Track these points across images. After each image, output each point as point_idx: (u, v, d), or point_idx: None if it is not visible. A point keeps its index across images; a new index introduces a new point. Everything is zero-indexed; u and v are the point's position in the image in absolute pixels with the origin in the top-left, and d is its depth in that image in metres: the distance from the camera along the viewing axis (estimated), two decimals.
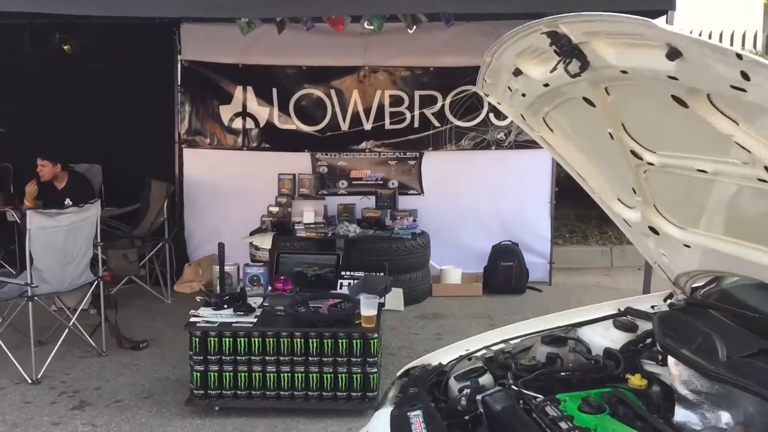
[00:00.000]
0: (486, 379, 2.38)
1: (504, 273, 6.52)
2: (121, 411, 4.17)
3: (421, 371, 2.48)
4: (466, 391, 2.21)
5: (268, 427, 3.93)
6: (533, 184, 6.83)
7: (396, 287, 6.03)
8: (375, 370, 4.02)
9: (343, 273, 4.51)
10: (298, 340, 3.98)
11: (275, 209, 6.60)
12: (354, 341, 3.97)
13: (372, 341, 3.98)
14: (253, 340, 3.98)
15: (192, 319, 4.09)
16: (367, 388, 4.01)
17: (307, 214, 6.31)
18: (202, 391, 4.03)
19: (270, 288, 4.46)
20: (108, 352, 5.08)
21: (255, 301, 4.36)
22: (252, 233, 6.33)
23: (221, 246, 4.28)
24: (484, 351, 2.56)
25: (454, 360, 2.51)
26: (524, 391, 2.15)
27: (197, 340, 3.98)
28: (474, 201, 6.83)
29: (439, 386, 2.42)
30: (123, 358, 5.02)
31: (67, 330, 4.94)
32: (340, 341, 3.97)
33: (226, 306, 4.23)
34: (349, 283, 4.45)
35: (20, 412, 4.17)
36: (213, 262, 6.83)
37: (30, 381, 4.56)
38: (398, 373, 2.58)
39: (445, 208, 6.79)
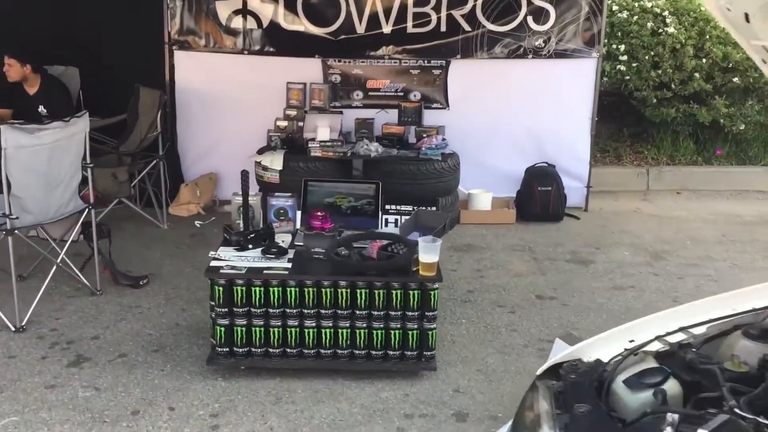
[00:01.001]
0: (672, 387, 1.74)
1: (541, 199, 5.86)
2: (128, 369, 3.50)
3: (577, 373, 1.83)
4: (671, 418, 1.56)
5: (307, 392, 3.31)
6: (573, 97, 6.09)
7: None
8: (434, 325, 3.38)
9: (387, 207, 3.80)
10: (343, 290, 3.31)
11: (283, 123, 5.80)
12: (411, 293, 3.31)
13: (432, 293, 3.33)
14: (288, 290, 3.30)
15: (213, 263, 3.38)
16: (425, 347, 3.38)
17: (322, 130, 5.52)
18: (227, 349, 3.37)
19: (301, 225, 3.74)
20: (102, 290, 4.37)
21: (283, 240, 3.66)
22: (260, 151, 5.55)
23: (245, 175, 3.52)
24: (657, 343, 1.91)
25: (618, 356, 1.86)
26: (761, 421, 1.51)
27: (221, 289, 3.29)
28: (506, 117, 6.10)
29: (600, 391, 1.78)
30: (121, 297, 4.32)
31: (54, 267, 4.20)
32: (394, 293, 3.31)
33: (251, 246, 3.53)
34: (397, 221, 3.75)
35: (5, 369, 3.48)
36: (211, 182, 6.09)
37: (13, 328, 3.85)
38: (539, 372, 1.93)
39: (473, 124, 6.04)
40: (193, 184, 6.04)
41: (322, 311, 3.34)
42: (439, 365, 3.46)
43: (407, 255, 3.29)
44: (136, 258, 4.96)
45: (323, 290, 3.31)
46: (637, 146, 7.24)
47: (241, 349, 3.37)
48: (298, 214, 3.83)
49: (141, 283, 4.49)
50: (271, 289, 3.30)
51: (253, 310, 3.33)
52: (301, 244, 3.54)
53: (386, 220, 3.74)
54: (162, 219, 5.68)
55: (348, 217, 3.87)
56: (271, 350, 3.38)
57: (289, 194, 3.84)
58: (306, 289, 3.30)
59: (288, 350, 3.38)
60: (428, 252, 3.29)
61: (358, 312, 3.34)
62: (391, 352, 3.39)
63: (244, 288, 3.30)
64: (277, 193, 3.85)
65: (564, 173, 6.05)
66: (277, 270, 3.32)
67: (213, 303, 3.35)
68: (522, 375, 3.47)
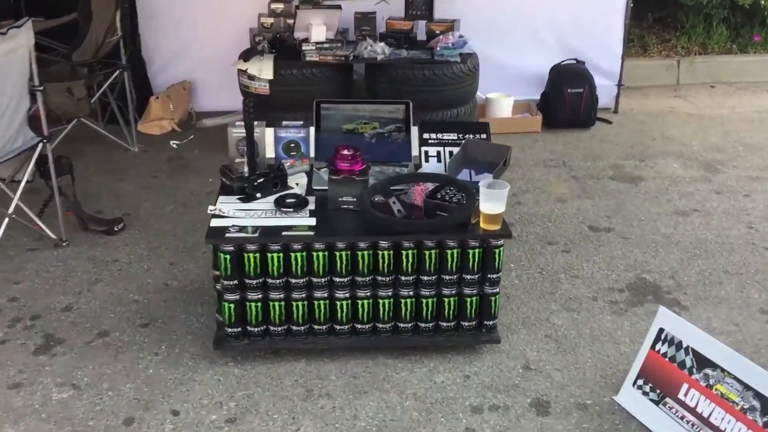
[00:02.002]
0: None
1: (571, 102, 5.09)
2: (112, 355, 2.79)
3: None
4: None
5: (344, 378, 2.64)
6: None
7: None
8: (497, 290, 2.70)
9: (426, 136, 3.02)
10: (385, 253, 2.59)
11: (269, 20, 4.86)
12: (470, 252, 2.61)
13: (496, 252, 2.62)
14: (315, 254, 2.57)
15: (214, 222, 2.61)
16: (486, 314, 2.72)
17: (317, 29, 4.60)
18: (238, 329, 2.67)
19: (315, 161, 2.97)
20: (69, 239, 3.59)
21: (297, 183, 2.90)
22: (244, 56, 4.64)
23: (248, 104, 2.69)
24: None
25: None
26: None
27: (228, 258, 2.55)
28: (525, 5, 5.23)
29: None
30: (93, 249, 3.55)
31: (6, 218, 3.40)
32: (448, 252, 2.60)
33: (259, 195, 2.76)
34: (439, 154, 2.99)
35: None
36: (186, 93, 5.22)
37: None
38: None
39: (485, 13, 5.16)
40: (164, 96, 5.13)
41: (358, 279, 2.63)
42: (499, 331, 2.81)
43: (467, 206, 2.55)
44: (106, 194, 4.15)
45: (359, 253, 2.59)
46: (664, 34, 6.43)
47: (256, 329, 2.67)
48: (312, 146, 3.04)
49: (116, 228, 3.71)
50: (292, 254, 2.57)
51: (270, 281, 2.60)
52: (322, 188, 2.78)
53: (426, 153, 2.98)
54: (131, 140, 4.82)
55: (373, 148, 3.10)
56: (294, 328, 2.69)
57: (301, 122, 3.03)
58: (337, 254, 2.58)
59: (316, 327, 2.69)
60: (492, 200, 2.56)
61: (403, 278, 2.64)
62: (444, 324, 2.73)
63: (258, 255, 2.56)
64: (285, 122, 3.03)
65: (593, 70, 5.25)
66: (299, 230, 2.57)
67: (217, 272, 2.61)
68: (600, 341, 2.85)
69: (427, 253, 2.60)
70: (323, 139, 3.09)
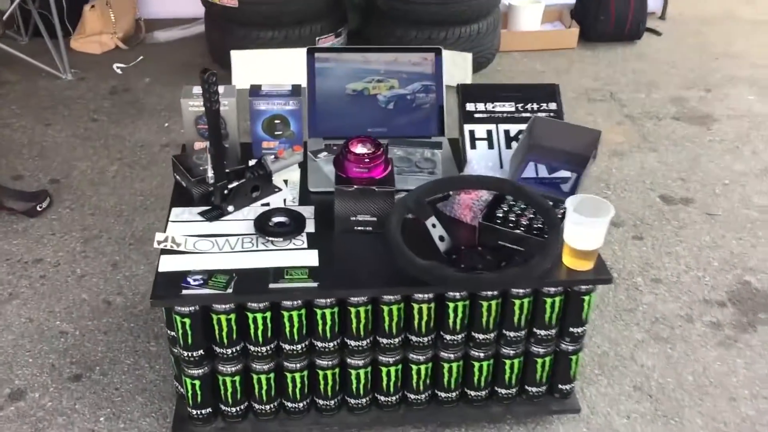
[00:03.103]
0: None
1: (618, 10, 4.09)
2: None
3: None
4: None
5: None
6: None
7: (455, 48, 3.63)
8: (580, 346, 1.87)
9: (470, 107, 2.08)
10: (424, 306, 1.73)
11: None
12: (546, 302, 1.76)
13: (585, 300, 1.78)
14: (320, 312, 1.71)
15: (165, 263, 1.70)
16: (561, 377, 1.91)
17: None
18: (208, 410, 1.83)
19: (310, 141, 2.04)
20: None
21: (286, 181, 1.99)
22: None
23: (208, 79, 1.71)
24: None
25: None
26: None
27: (187, 323, 1.67)
28: None
29: None
30: (5, 240, 2.65)
31: None
32: (516, 304, 1.76)
33: (231, 208, 1.85)
34: (490, 134, 2.06)
35: None
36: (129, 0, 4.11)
37: None
38: None
39: None
40: (102, 3, 4.03)
41: (383, 341, 1.78)
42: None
43: (550, 245, 1.67)
44: (27, 148, 3.18)
45: (384, 308, 1.73)
46: None
47: (234, 408, 1.84)
48: (306, 123, 2.11)
49: (39, 208, 2.78)
50: (285, 314, 1.70)
51: (253, 349, 1.75)
52: (324, 189, 1.88)
53: (471, 134, 2.04)
54: (62, 64, 3.77)
55: (390, 117, 2.18)
56: (290, 405, 1.86)
57: (289, 87, 2.07)
58: (353, 309, 1.72)
59: (321, 402, 1.87)
60: (587, 231, 1.69)
61: (448, 337, 1.80)
62: (503, 391, 1.91)
63: (233, 316, 1.69)
64: (265, 86, 2.07)
65: None
66: (294, 276, 1.68)
67: (174, 338, 1.75)
68: (711, 396, 2.07)
69: (484, 304, 1.75)
70: (320, 106, 2.16)
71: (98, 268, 2.51)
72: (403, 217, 1.73)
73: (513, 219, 1.78)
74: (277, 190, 1.96)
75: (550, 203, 1.74)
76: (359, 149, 1.81)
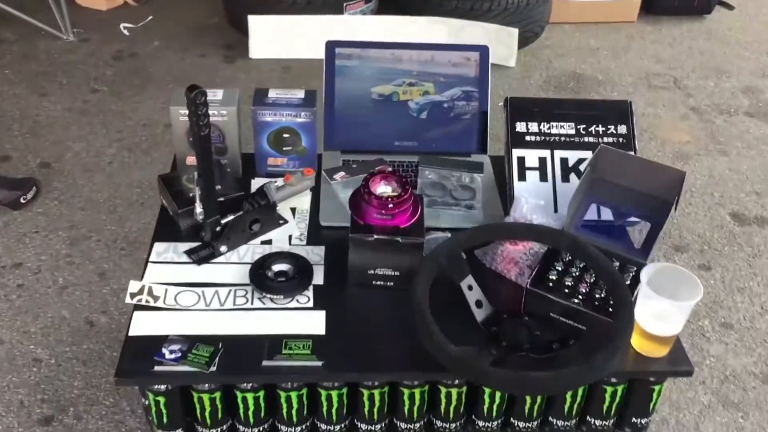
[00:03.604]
0: None
1: None
2: None
3: None
4: None
5: None
6: None
7: (501, 20, 3.21)
8: None
9: (519, 128, 1.69)
10: (453, 391, 1.40)
11: None
12: (606, 390, 1.42)
13: (655, 389, 1.43)
14: (325, 393, 1.39)
15: (136, 326, 1.38)
16: None
17: None
18: None
19: (325, 154, 1.68)
20: None
21: (295, 212, 1.65)
22: None
23: (197, 97, 1.35)
24: None
25: None
26: None
27: (162, 401, 1.36)
28: None
29: None
30: None
31: None
32: (567, 393, 1.42)
33: (224, 248, 1.52)
34: (543, 163, 1.69)
35: None
36: None
37: None
38: None
39: None
40: None
41: (400, 425, 1.46)
42: None
43: (621, 331, 1.31)
44: (18, 123, 2.86)
45: (405, 391, 1.40)
46: None
47: None
48: (321, 137, 1.75)
49: (23, 199, 2.47)
50: (282, 394, 1.38)
51: (243, 430, 1.44)
52: (338, 224, 1.54)
53: (520, 162, 1.65)
54: (63, 22, 3.41)
55: (423, 127, 1.82)
56: None
57: (301, 94, 1.71)
58: (365, 392, 1.39)
59: None
60: (665, 312, 1.33)
61: (482, 423, 1.47)
62: None
63: (218, 395, 1.37)
64: (273, 92, 1.71)
65: None
66: (296, 353, 1.35)
67: (149, 409, 1.44)
68: None
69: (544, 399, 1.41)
70: (339, 112, 1.80)
71: (83, 277, 2.20)
72: (432, 278, 1.38)
73: (569, 284, 1.42)
74: (282, 222, 1.62)
75: (617, 269, 1.39)
76: (381, 188, 1.45)
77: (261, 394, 1.38)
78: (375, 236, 1.42)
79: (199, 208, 1.48)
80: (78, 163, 2.65)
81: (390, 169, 1.61)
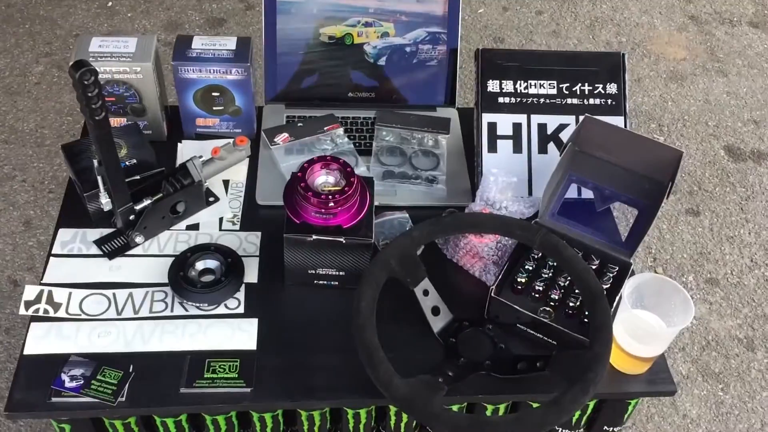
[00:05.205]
0: None
1: None
2: None
3: None
4: None
5: None
6: None
7: None
8: None
9: (491, 87, 1.43)
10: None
11: None
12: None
13: (630, 404, 1.28)
14: (257, 416, 1.22)
15: (32, 344, 1.18)
16: None
17: None
18: None
19: (266, 104, 1.43)
20: None
21: (231, 184, 1.42)
22: None
23: (83, 76, 1.08)
24: None
25: None
26: None
27: (68, 429, 1.19)
28: None
29: None
30: None
31: None
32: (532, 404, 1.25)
33: (139, 238, 1.30)
34: (518, 129, 1.44)
35: None
36: None
37: None
38: None
39: None
40: None
41: None
42: None
43: (593, 365, 1.12)
44: None
45: (349, 411, 1.23)
46: None
47: None
48: (262, 88, 1.48)
49: None
50: (208, 418, 1.21)
51: None
52: (280, 203, 1.31)
53: (490, 128, 1.38)
54: None
55: (381, 75, 1.56)
56: None
57: (232, 45, 1.42)
58: (303, 413, 1.22)
59: None
60: (648, 335, 1.15)
61: None
62: None
63: (132, 420, 1.20)
64: (197, 40, 1.42)
65: None
66: (220, 376, 1.16)
67: None
68: None
69: (489, 407, 1.25)
70: (282, 58, 1.53)
71: (6, 227, 1.98)
72: (381, 287, 1.18)
73: (540, 288, 1.23)
74: (212, 200, 1.40)
75: (597, 267, 1.19)
76: (321, 179, 1.22)
77: (183, 417, 1.20)
78: (314, 236, 1.20)
79: (105, 199, 1.25)
80: (1, 84, 2.35)
81: (329, 156, 1.36)
